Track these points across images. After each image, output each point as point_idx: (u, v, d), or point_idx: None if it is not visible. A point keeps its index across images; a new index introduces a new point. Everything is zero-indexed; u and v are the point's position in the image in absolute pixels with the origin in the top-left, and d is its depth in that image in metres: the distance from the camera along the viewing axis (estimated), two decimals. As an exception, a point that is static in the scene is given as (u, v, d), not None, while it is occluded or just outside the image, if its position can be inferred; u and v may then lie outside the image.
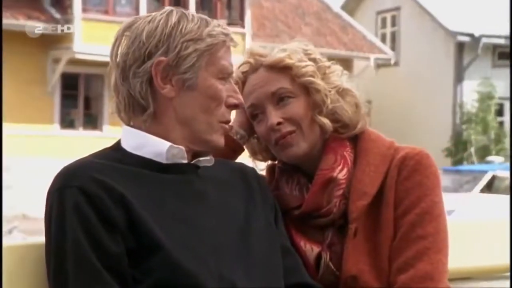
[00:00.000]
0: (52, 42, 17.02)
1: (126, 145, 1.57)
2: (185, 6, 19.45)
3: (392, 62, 22.05)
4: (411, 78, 22.34)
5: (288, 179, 1.79)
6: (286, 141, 1.74)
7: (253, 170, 1.74)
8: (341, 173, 1.75)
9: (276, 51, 1.77)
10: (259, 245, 1.58)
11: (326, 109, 1.75)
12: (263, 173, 1.84)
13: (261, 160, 1.87)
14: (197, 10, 21.69)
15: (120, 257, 1.43)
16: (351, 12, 23.56)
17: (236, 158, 1.81)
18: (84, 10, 18.17)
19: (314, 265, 1.73)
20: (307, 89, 1.76)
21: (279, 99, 1.74)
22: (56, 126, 17.89)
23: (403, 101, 22.26)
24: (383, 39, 23.39)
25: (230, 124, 1.72)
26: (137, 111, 1.56)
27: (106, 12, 18.80)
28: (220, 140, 1.59)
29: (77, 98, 18.43)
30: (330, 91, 1.76)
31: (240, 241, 1.55)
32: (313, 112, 1.75)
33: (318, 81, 1.76)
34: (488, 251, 2.09)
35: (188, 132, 1.56)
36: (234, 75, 1.77)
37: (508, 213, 2.39)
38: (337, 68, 1.82)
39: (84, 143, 15.02)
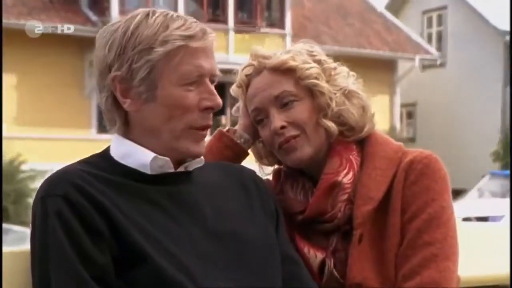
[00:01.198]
0: (89, 44, 17.22)
1: (114, 153, 1.57)
2: (224, 7, 19.55)
3: (438, 63, 21.81)
4: (458, 80, 22.07)
5: (293, 184, 1.79)
6: (290, 145, 1.73)
7: (252, 173, 1.71)
8: (346, 177, 1.73)
9: (279, 53, 1.77)
10: (255, 252, 1.56)
11: (331, 112, 1.74)
12: (270, 177, 1.84)
13: (267, 165, 1.86)
14: (236, 12, 21.83)
15: (107, 267, 1.43)
16: (395, 12, 23.39)
17: (240, 162, 1.80)
18: (122, 12, 18.36)
19: (318, 272, 1.72)
20: (312, 92, 1.74)
21: (283, 103, 1.73)
22: (93, 130, 18.09)
23: (450, 103, 22.00)
24: (429, 39, 23.17)
25: (235, 128, 1.72)
26: (112, 123, 1.57)
27: (144, 14, 18.96)
28: (191, 147, 1.55)
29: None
30: (335, 94, 1.75)
31: (233, 249, 1.53)
32: (318, 115, 1.74)
33: (323, 84, 1.74)
34: (487, 259, 2.05)
35: (158, 142, 1.55)
36: (238, 78, 1.77)
37: (508, 220, 2.31)
38: (344, 69, 1.80)
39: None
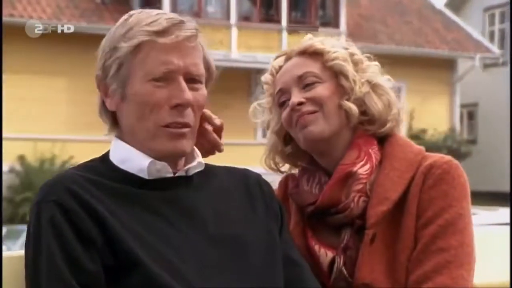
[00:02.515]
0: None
1: (113, 157, 1.58)
2: (277, 6, 19.56)
3: (501, 61, 21.43)
4: (521, 79, 21.65)
5: (310, 177, 1.79)
6: (304, 120, 1.73)
7: (256, 176, 1.71)
8: (362, 168, 1.73)
9: (307, 37, 1.80)
10: (256, 256, 1.55)
11: (354, 96, 1.74)
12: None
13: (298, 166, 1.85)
14: (289, 11, 21.80)
15: (97, 274, 1.43)
16: (456, 10, 23.08)
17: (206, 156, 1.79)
18: (174, 12, 18.53)
19: (328, 271, 1.71)
20: (337, 74, 1.75)
21: (305, 83, 1.75)
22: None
23: (513, 104, 21.59)
24: (491, 37, 22.78)
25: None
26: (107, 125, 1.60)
27: (196, 15, 19.13)
28: (166, 145, 1.53)
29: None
30: (360, 80, 1.75)
31: (233, 254, 1.53)
32: (341, 98, 1.74)
33: (348, 67, 1.75)
34: (486, 265, 1.98)
35: (136, 143, 1.55)
36: (270, 66, 1.79)
37: (508, 226, 2.25)
38: (375, 66, 1.80)
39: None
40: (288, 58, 1.80)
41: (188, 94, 1.53)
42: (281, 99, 1.78)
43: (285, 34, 19.25)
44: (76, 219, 1.45)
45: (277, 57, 1.82)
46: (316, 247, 1.73)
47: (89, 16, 17.18)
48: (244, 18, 19.37)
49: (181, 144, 1.54)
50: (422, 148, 1.78)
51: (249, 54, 17.86)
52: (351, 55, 1.78)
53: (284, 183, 1.86)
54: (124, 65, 1.52)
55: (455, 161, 1.72)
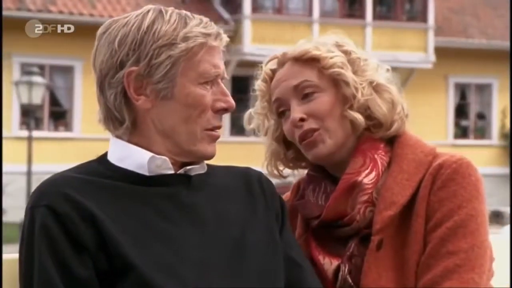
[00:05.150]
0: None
1: (111, 157, 1.58)
2: (361, 1, 19.41)
3: None
4: None
5: (315, 187, 1.76)
6: (310, 140, 1.70)
7: (258, 174, 1.70)
8: (367, 177, 1.69)
9: (301, 43, 1.75)
10: (256, 258, 1.55)
11: (357, 104, 1.70)
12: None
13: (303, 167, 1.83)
14: (375, 5, 21.65)
15: (89, 281, 1.43)
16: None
17: None
18: (254, 9, 18.66)
19: (333, 280, 1.68)
20: (336, 82, 1.71)
21: (304, 94, 1.71)
22: (226, 132, 18.49)
23: None
24: None
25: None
26: (116, 124, 1.56)
27: (278, 11, 19.19)
28: (207, 149, 1.56)
29: (247, 102, 18.95)
30: (361, 84, 1.71)
31: (232, 255, 1.53)
32: (343, 107, 1.70)
33: (348, 73, 1.70)
34: None
35: (171, 144, 1.55)
36: (262, 72, 1.77)
37: (508, 233, 2.14)
38: (373, 61, 1.76)
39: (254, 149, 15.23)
40: (281, 63, 1.76)
41: (232, 100, 1.57)
42: (279, 109, 1.75)
43: (369, 30, 19.10)
44: (69, 223, 1.45)
45: (268, 61, 1.78)
46: (320, 257, 1.70)
47: (168, 14, 17.46)
48: (327, 14, 19.32)
49: (214, 147, 1.58)
50: (434, 147, 1.73)
51: (332, 51, 17.79)
52: (347, 54, 1.73)
53: (296, 187, 1.84)
54: (177, 64, 1.52)
55: (466, 159, 1.67)
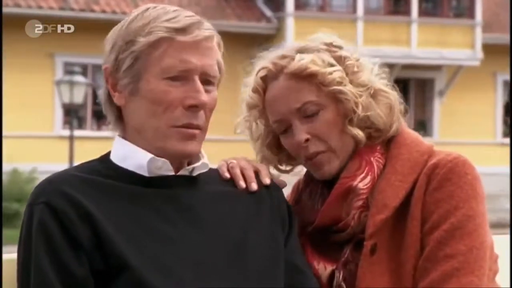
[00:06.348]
0: (258, 40, 17.43)
1: (113, 156, 1.59)
2: (407, -3, 19.26)
3: None
4: None
5: (312, 192, 1.75)
6: (317, 162, 1.69)
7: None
8: (362, 182, 1.67)
9: (298, 57, 1.69)
10: (256, 261, 1.55)
11: (357, 118, 1.68)
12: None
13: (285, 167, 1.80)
14: (420, 2, 21.35)
15: (84, 279, 1.45)
16: None
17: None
18: (297, 6, 18.64)
19: (327, 285, 1.67)
20: (336, 98, 1.68)
21: (306, 114, 1.68)
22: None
23: None
24: None
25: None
26: (109, 121, 1.61)
27: (321, 9, 19.14)
28: (176, 146, 1.54)
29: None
30: (360, 96, 1.68)
31: (232, 256, 1.53)
32: (343, 122, 1.68)
33: (347, 88, 1.67)
34: None
35: (143, 141, 1.55)
36: (252, 81, 1.72)
37: (508, 237, 2.09)
38: (366, 63, 1.73)
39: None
40: (274, 76, 1.71)
41: (204, 96, 1.54)
42: (280, 128, 1.72)
43: (415, 26, 18.94)
44: (66, 221, 1.47)
45: (259, 71, 1.73)
46: (315, 262, 1.69)
47: (211, 13, 17.53)
48: (371, 11, 19.21)
49: (191, 145, 1.55)
50: (431, 145, 1.70)
51: (376, 48, 17.69)
52: (341, 61, 1.70)
53: (296, 188, 1.82)
54: (140, 59, 1.53)
55: (463, 158, 1.64)
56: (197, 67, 1.54)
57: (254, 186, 1.64)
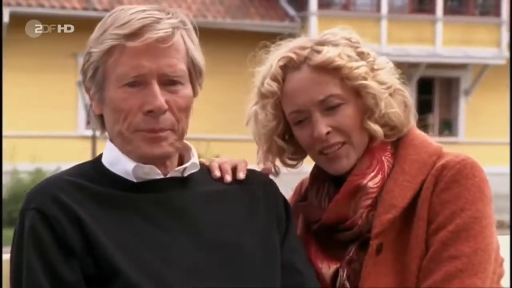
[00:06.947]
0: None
1: (104, 160, 1.61)
2: (431, -5, 19.17)
3: None
4: None
5: (319, 188, 1.74)
6: (335, 154, 1.68)
7: (260, 175, 1.68)
8: (372, 181, 1.67)
9: (325, 49, 1.67)
10: (250, 264, 1.54)
11: (378, 114, 1.68)
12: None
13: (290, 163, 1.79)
14: (445, 0, 21.08)
15: (75, 285, 1.46)
16: None
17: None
18: (321, 6, 18.61)
19: (331, 285, 1.67)
20: (359, 92, 1.68)
21: (329, 106, 1.67)
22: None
23: None
24: None
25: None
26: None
27: (345, 7, 19.10)
28: (146, 149, 1.53)
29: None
30: (383, 93, 1.68)
31: (225, 259, 1.52)
32: (363, 117, 1.68)
33: (372, 84, 1.67)
34: None
35: (118, 146, 1.57)
36: (271, 70, 1.69)
37: (508, 240, 2.08)
38: (383, 61, 1.72)
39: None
40: (296, 66, 1.69)
41: (160, 100, 1.51)
42: (297, 119, 1.70)
43: (440, 25, 18.84)
44: (57, 226, 1.48)
45: (279, 60, 1.70)
46: (318, 261, 1.68)
47: (234, 12, 17.56)
48: (396, 9, 19.14)
49: (159, 148, 1.54)
50: (440, 146, 1.70)
51: (400, 47, 17.62)
52: (365, 56, 1.69)
53: (299, 187, 1.82)
54: (99, 69, 1.54)
55: (471, 160, 1.64)
56: (152, 70, 1.51)
57: (228, 178, 1.63)
